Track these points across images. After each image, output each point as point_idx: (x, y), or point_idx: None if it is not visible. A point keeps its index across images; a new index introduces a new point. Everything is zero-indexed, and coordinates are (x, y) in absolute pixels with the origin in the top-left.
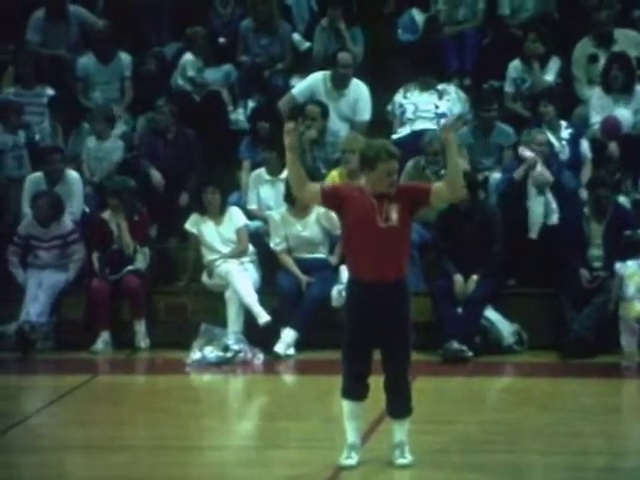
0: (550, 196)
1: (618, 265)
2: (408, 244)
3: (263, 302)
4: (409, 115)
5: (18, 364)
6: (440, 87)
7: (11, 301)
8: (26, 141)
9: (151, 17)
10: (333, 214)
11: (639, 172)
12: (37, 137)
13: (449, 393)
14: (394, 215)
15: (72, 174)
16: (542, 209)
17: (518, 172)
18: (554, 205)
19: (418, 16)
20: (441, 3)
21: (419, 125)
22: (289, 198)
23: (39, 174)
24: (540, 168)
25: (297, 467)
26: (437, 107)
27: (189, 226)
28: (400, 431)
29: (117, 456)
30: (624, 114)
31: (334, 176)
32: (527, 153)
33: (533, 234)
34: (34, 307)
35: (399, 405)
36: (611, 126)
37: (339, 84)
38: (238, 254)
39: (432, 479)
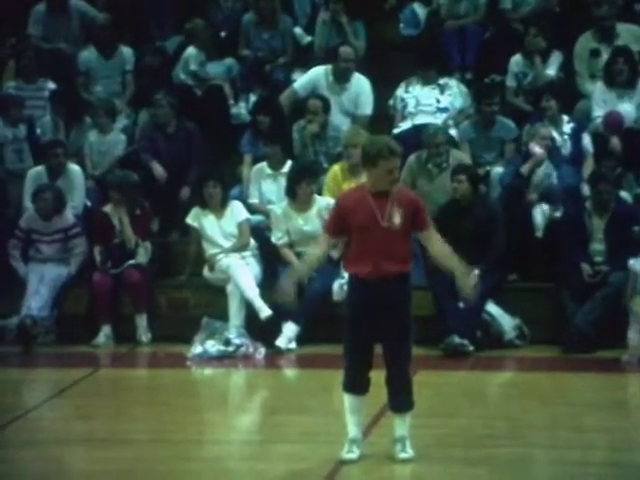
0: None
1: (632, 261)
2: (410, 241)
3: (264, 296)
4: (410, 109)
5: (20, 358)
6: (442, 81)
7: (13, 295)
8: (27, 135)
9: (152, 10)
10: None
11: None
12: (38, 131)
13: (450, 387)
14: (397, 219)
15: (74, 168)
16: (540, 216)
17: (525, 167)
18: (546, 208)
19: (420, 10)
20: None
21: (420, 119)
22: (290, 192)
23: (40, 168)
24: (546, 166)
25: (298, 461)
26: (439, 101)
27: (190, 220)
28: (401, 425)
29: (118, 450)
30: (627, 108)
31: (336, 171)
32: (537, 149)
33: (539, 233)
34: (35, 301)
35: (400, 399)
36: (613, 120)
37: (340, 78)
38: (239, 248)
39: (433, 473)
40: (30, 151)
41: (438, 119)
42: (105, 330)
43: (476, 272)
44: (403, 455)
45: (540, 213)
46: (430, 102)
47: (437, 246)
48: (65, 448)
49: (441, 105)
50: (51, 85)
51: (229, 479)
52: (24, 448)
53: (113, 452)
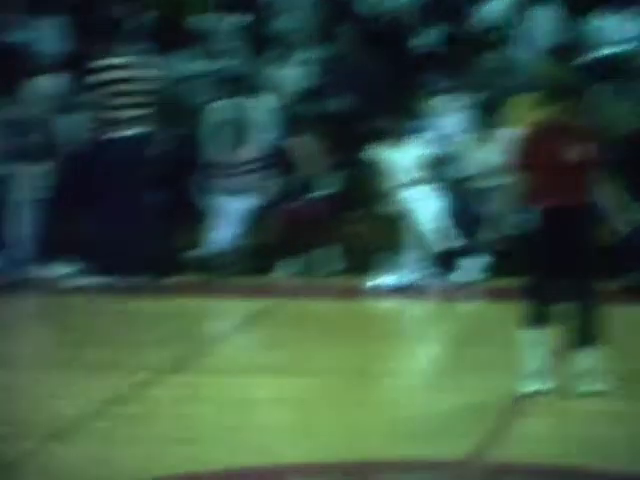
0: None
1: None
2: (593, 172)
3: (442, 229)
4: (598, 39)
5: (205, 288)
6: (630, 10)
7: (199, 227)
8: (215, 68)
9: None
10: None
11: None
12: (227, 64)
13: (636, 323)
14: (578, 152)
15: (261, 101)
16: None
17: None
18: None
19: None
20: None
21: (608, 49)
22: (475, 124)
23: (228, 101)
24: None
25: (477, 394)
26: (627, 30)
27: (371, 154)
28: (586, 359)
29: (301, 379)
30: None
31: (520, 103)
32: None
33: None
34: (221, 232)
35: (585, 333)
36: None
37: (526, 8)
38: (420, 181)
39: (619, 409)
40: (218, 85)
41: (626, 49)
42: (288, 261)
43: None
44: (588, 389)
45: None
46: (619, 31)
47: (601, 189)
48: (247, 376)
49: (630, 34)
50: (240, 18)
51: (408, 409)
52: (207, 376)
53: (296, 381)
